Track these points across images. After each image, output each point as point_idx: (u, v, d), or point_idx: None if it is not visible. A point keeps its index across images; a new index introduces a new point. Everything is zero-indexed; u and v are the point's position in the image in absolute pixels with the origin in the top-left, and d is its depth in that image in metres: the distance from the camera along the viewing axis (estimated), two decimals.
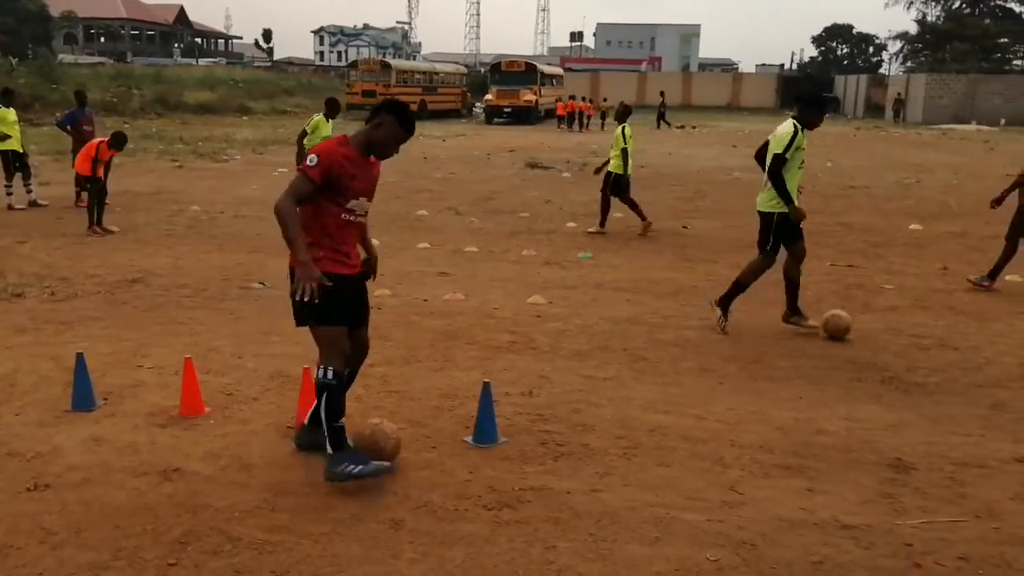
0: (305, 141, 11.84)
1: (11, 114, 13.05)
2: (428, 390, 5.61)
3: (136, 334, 6.69)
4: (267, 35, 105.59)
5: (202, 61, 75.60)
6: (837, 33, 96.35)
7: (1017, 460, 4.69)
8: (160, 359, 6.08)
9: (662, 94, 44.70)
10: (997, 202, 9.17)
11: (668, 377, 5.95)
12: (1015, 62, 68.12)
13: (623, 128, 11.50)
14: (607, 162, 11.84)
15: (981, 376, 6.15)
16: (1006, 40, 66.96)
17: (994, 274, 8.82)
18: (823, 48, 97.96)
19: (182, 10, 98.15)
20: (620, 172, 11.45)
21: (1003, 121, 46.80)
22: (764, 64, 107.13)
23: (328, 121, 12.42)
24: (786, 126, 6.80)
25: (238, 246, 10.44)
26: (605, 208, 11.81)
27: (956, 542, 3.81)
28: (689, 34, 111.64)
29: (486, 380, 4.86)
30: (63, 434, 4.77)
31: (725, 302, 7.17)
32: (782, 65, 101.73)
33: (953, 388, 5.88)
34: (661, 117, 40.44)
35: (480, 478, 4.34)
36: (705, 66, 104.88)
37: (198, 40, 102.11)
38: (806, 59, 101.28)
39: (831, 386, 5.87)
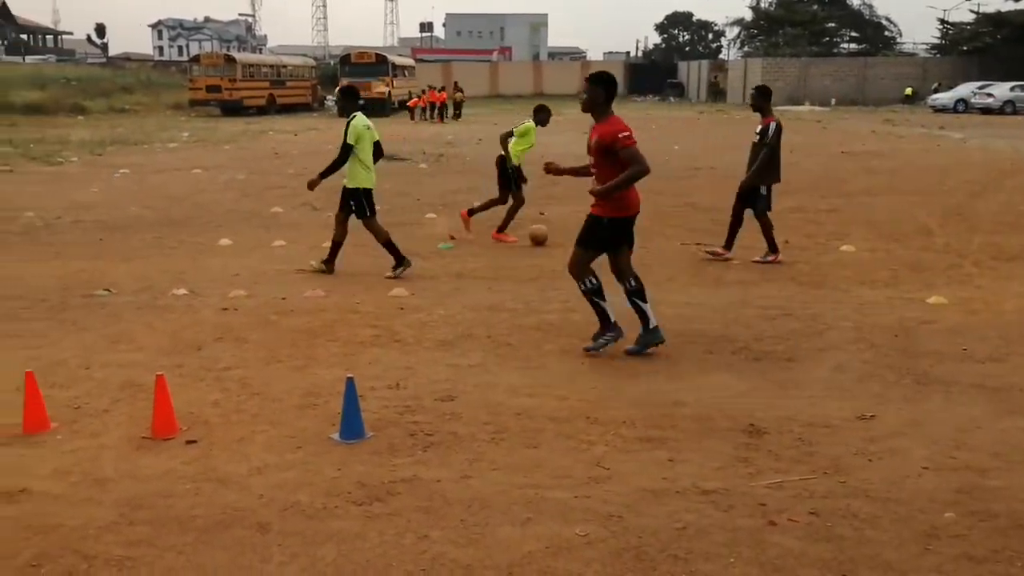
0: (512, 143, 10.68)
1: None
2: (291, 390, 5.49)
3: None
4: (100, 30, 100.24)
5: (29, 58, 71.00)
6: (678, 20, 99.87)
7: (858, 418, 5.01)
8: None
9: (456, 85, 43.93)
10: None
11: (532, 361, 6.05)
12: (842, 45, 72.52)
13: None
14: None
15: (822, 341, 6.53)
16: (833, 24, 71.17)
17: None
18: (666, 35, 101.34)
19: (3, 4, 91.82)
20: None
21: (833, 101, 49.79)
22: (611, 52, 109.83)
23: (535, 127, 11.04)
24: None
25: (79, 253, 9.90)
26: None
27: (807, 498, 4.04)
28: (538, 23, 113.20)
29: (350, 375, 4.80)
30: None
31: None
32: (628, 52, 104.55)
33: (797, 354, 6.22)
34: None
35: (348, 474, 4.29)
36: (554, 55, 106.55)
37: (23, 36, 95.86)
38: (651, 46, 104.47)
39: (685, 359, 6.10)
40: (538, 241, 10.42)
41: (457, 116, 39.96)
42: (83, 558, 3.53)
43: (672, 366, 5.95)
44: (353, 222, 8.82)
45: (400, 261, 8.76)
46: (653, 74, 71.20)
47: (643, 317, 6.20)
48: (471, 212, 11.15)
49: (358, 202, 8.81)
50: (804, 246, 9.60)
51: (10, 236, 10.88)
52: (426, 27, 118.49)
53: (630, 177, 5.88)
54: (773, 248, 9.31)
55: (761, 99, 9.36)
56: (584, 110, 6.18)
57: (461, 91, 42.69)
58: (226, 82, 40.93)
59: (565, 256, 9.64)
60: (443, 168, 18.97)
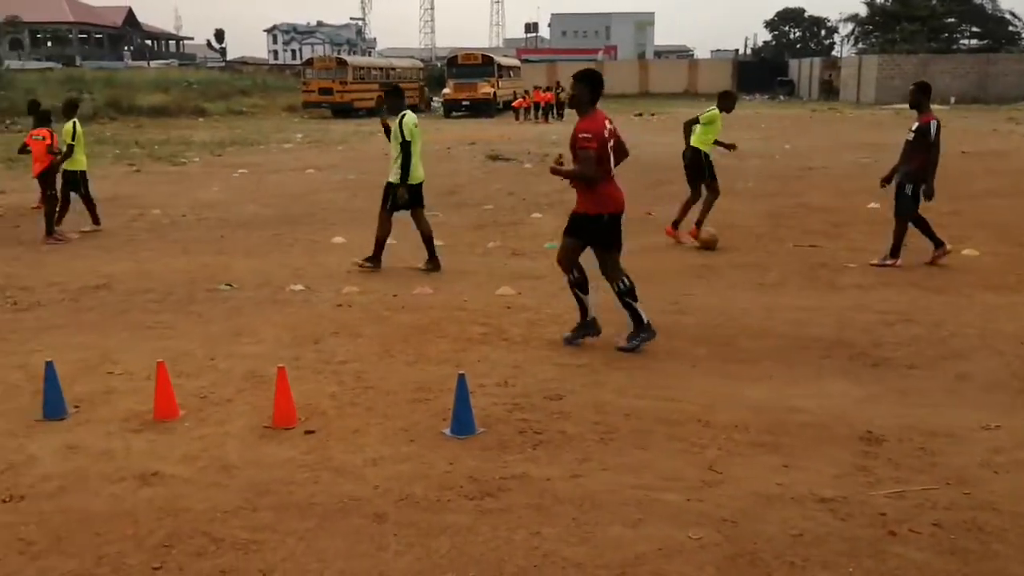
0: (698, 129, 10.22)
1: None
2: (403, 384, 5.61)
3: (103, 340, 6.61)
4: (219, 35, 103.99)
5: (153, 63, 74.42)
6: (789, 17, 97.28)
7: (983, 428, 4.81)
8: (129, 364, 6.01)
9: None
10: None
11: (640, 362, 6.01)
12: (962, 41, 69.43)
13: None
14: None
15: (945, 348, 6.28)
16: (953, 20, 68.19)
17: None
18: (776, 32, 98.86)
19: (131, 12, 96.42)
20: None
21: (953, 99, 47.67)
22: (719, 50, 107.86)
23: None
24: None
25: (202, 248, 10.34)
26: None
27: (929, 509, 3.90)
28: (644, 22, 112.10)
29: (461, 372, 4.87)
30: (36, 443, 4.71)
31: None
32: (737, 50, 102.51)
33: (919, 361, 6.01)
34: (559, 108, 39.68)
35: (460, 468, 4.36)
36: (661, 53, 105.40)
37: (148, 42, 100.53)
38: (760, 44, 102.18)
39: (800, 364, 5.97)
40: (709, 246, 10.01)
41: (560, 116, 39.94)
42: (211, 540, 3.70)
43: (786, 371, 5.83)
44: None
45: (376, 259, 9.07)
46: (762, 72, 69.64)
47: (635, 316, 6.26)
48: (693, 223, 10.40)
49: (386, 194, 9.01)
50: (924, 249, 9.23)
51: (140, 232, 11.45)
52: (531, 27, 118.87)
53: (573, 173, 6.15)
54: (895, 252, 8.97)
55: (920, 95, 9.00)
56: (569, 106, 6.47)
57: (563, 90, 42.56)
58: (337, 84, 41.96)
59: (677, 256, 9.63)
60: (548, 168, 19.00)
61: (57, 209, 11.14)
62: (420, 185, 9.06)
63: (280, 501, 4.04)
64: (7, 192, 14.72)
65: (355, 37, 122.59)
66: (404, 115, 8.82)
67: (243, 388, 5.56)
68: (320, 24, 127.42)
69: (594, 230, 6.21)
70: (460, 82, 43.11)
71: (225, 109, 43.08)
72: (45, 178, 11.01)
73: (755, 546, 3.60)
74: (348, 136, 29.86)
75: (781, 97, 62.74)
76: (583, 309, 6.42)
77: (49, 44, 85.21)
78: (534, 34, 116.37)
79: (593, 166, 5.99)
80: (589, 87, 6.11)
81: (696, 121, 10.29)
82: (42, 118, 11.62)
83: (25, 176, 12.13)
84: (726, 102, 10.39)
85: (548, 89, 40.39)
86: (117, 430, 4.90)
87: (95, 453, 4.58)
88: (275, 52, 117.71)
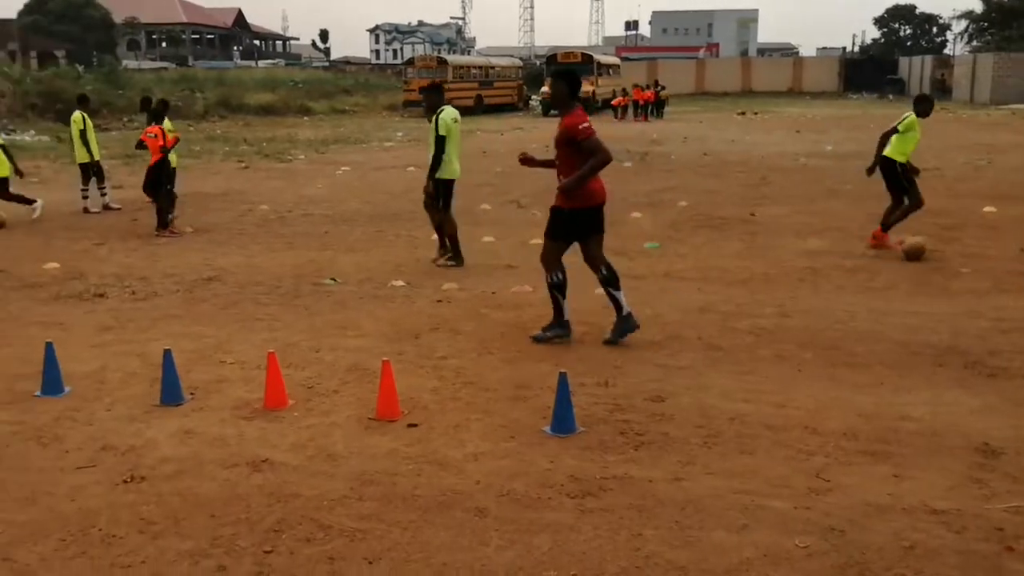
0: (895, 139, 9.65)
1: (80, 121, 13.43)
2: (502, 381, 5.65)
3: (216, 331, 6.87)
4: (324, 35, 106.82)
5: (261, 63, 76.73)
6: (900, 14, 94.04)
7: None
8: (241, 354, 6.23)
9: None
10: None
11: (745, 365, 5.90)
12: None
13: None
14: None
15: None
16: None
17: None
18: (885, 30, 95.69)
19: (240, 13, 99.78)
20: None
21: None
22: (825, 47, 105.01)
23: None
24: None
25: (308, 243, 10.63)
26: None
27: None
28: (747, 19, 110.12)
29: (562, 371, 4.87)
30: (154, 428, 4.93)
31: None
32: (844, 48, 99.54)
33: None
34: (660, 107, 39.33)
35: (561, 467, 4.37)
36: (764, 51, 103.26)
37: (256, 42, 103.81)
38: (868, 41, 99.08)
39: (912, 371, 5.76)
40: (914, 256, 9.22)
41: (660, 114, 39.51)
42: (319, 527, 3.80)
43: (897, 378, 5.63)
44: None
45: (456, 255, 9.18)
46: (871, 70, 67.41)
47: (616, 305, 6.34)
48: (884, 228, 10.00)
49: (437, 191, 9.09)
50: None
51: (249, 227, 11.83)
52: (631, 25, 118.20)
53: (593, 167, 6.07)
54: None
55: None
56: (552, 105, 6.64)
57: (663, 88, 42.05)
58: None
59: (777, 259, 9.41)
60: (648, 167, 18.84)
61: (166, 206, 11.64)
62: (453, 182, 9.18)
63: (384, 492, 4.12)
64: (124, 187, 15.41)
65: (455, 36, 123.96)
66: (442, 110, 8.96)
67: (347, 380, 5.70)
68: (421, 24, 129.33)
69: (580, 222, 6.29)
70: None
71: (329, 108, 44.11)
72: (157, 174, 11.48)
73: (864, 556, 3.50)
74: None
75: (890, 96, 60.64)
76: (558, 309, 6.49)
77: (163, 45, 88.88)
78: (634, 32, 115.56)
79: (606, 149, 6.13)
80: (567, 85, 6.31)
81: (895, 131, 9.69)
82: (154, 115, 12.13)
83: (142, 172, 12.66)
84: (923, 106, 9.82)
85: (648, 87, 40.01)
86: (230, 417, 5.08)
87: (209, 439, 4.77)
88: (377, 52, 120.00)
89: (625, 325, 6.38)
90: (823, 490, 4.08)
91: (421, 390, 5.48)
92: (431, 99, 9.17)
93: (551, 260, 6.46)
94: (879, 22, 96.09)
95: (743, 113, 40.91)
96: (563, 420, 4.81)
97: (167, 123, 12.32)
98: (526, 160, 6.95)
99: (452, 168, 9.06)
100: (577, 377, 5.53)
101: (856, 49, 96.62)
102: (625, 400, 5.26)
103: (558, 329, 6.49)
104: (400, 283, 8.41)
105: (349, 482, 4.22)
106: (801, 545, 3.58)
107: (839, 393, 5.35)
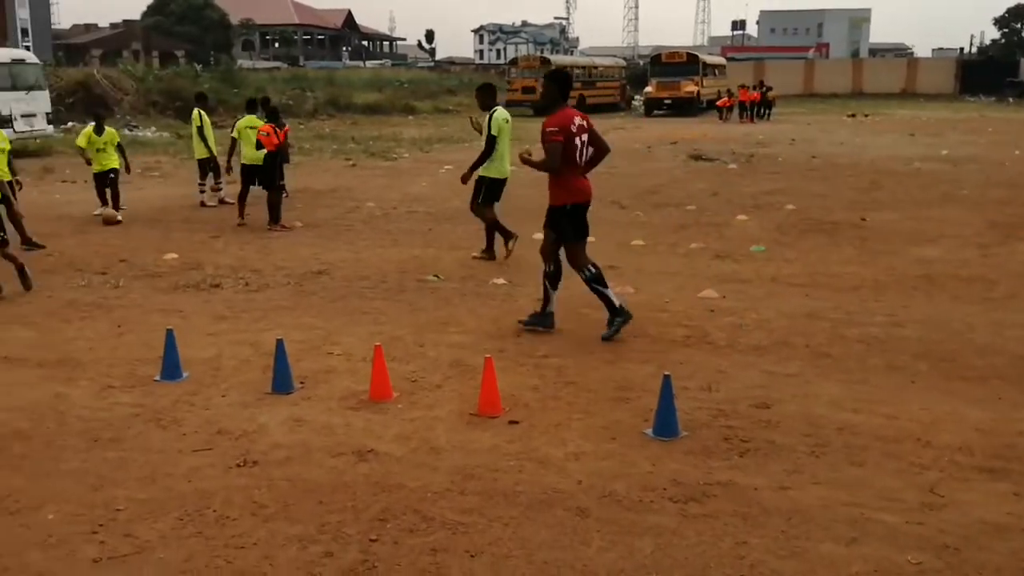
0: None
1: (198, 118, 13.98)
2: (604, 382, 5.63)
3: (324, 323, 7.05)
4: (429, 36, 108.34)
5: (368, 63, 78.35)
6: (1021, 14, 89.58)
7: None
8: (348, 346, 6.39)
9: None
10: None
11: (855, 375, 5.73)
12: None
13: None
14: None
15: None
16: None
17: None
18: (1006, 30, 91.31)
19: (350, 14, 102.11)
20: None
21: None
22: (941, 48, 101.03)
23: None
24: None
25: (412, 241, 10.80)
26: None
27: None
28: (859, 19, 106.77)
29: (666, 373, 4.82)
30: (266, 415, 5.10)
31: None
32: (961, 49, 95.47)
33: None
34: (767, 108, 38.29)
35: (663, 470, 4.33)
36: (876, 51, 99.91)
37: (364, 43, 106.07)
38: (987, 42, 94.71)
39: None
40: None
41: (767, 116, 38.64)
42: (422, 518, 3.87)
43: (1017, 393, 5.38)
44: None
45: (490, 248, 9.47)
46: (989, 72, 64.40)
47: (606, 301, 6.56)
48: None
49: (479, 189, 9.34)
50: None
51: (356, 223, 12.10)
52: (738, 25, 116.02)
53: (538, 165, 6.63)
54: None
55: None
56: (541, 104, 6.99)
57: (770, 89, 41.06)
58: (540, 83, 42.51)
59: (888, 266, 9.09)
60: (753, 169, 18.47)
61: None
62: (504, 181, 9.38)
63: (486, 487, 4.16)
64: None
65: (558, 36, 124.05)
66: (495, 110, 9.24)
67: (450, 375, 5.77)
68: (525, 24, 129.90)
69: (559, 219, 6.65)
70: (663, 80, 42.58)
71: (432, 108, 44.72)
72: (270, 169, 11.87)
73: None
74: None
75: (1010, 100, 57.85)
76: (546, 299, 6.79)
77: (276, 45, 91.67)
78: (741, 32, 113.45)
79: (558, 159, 6.45)
80: (558, 86, 6.67)
81: None
82: (270, 115, 12.52)
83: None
84: None
85: (755, 88, 39.19)
86: (337, 407, 5.21)
87: (318, 427, 4.90)
88: (481, 52, 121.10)
89: (620, 317, 6.56)
90: (937, 506, 3.93)
91: (522, 388, 5.51)
92: (483, 99, 9.49)
93: (548, 252, 6.79)
94: (999, 22, 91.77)
95: (853, 115, 39.67)
96: (666, 423, 4.76)
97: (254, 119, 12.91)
98: (526, 160, 6.97)
99: (502, 168, 9.31)
100: (680, 380, 5.47)
101: (974, 50, 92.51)
102: (729, 405, 5.18)
103: (541, 318, 6.80)
104: (501, 281, 8.48)
105: (451, 476, 4.28)
106: (913, 561, 3.46)
107: (954, 406, 5.14)
